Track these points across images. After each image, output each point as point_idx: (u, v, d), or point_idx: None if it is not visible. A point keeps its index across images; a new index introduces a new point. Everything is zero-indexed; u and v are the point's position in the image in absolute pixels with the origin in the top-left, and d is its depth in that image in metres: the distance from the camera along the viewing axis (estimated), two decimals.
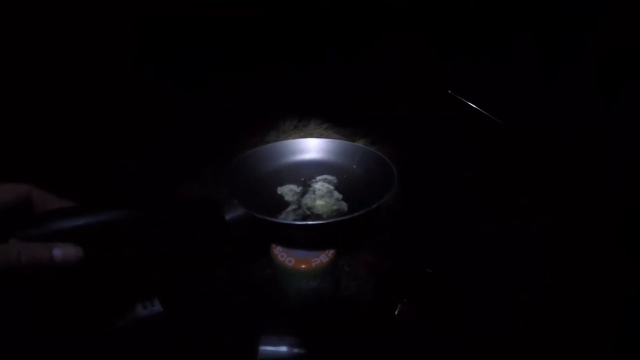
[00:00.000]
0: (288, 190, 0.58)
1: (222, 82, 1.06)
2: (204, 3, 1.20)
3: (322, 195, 0.56)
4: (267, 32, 1.20)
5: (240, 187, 0.53)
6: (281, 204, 0.55)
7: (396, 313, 0.50)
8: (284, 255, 0.47)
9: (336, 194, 0.57)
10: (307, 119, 0.86)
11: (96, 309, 0.47)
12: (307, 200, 0.56)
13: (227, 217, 0.42)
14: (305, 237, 0.49)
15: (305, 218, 0.53)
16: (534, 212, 0.66)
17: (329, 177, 0.60)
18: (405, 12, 1.17)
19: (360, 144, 0.72)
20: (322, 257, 0.47)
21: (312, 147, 0.65)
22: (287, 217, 0.53)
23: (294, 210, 0.54)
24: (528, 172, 0.76)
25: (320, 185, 0.59)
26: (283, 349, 0.44)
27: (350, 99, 0.99)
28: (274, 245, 0.49)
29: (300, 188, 0.58)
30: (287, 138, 0.75)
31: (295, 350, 0.44)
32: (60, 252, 0.30)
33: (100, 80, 0.96)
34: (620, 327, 0.47)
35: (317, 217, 0.53)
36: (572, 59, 0.81)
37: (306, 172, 0.61)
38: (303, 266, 0.46)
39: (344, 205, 0.55)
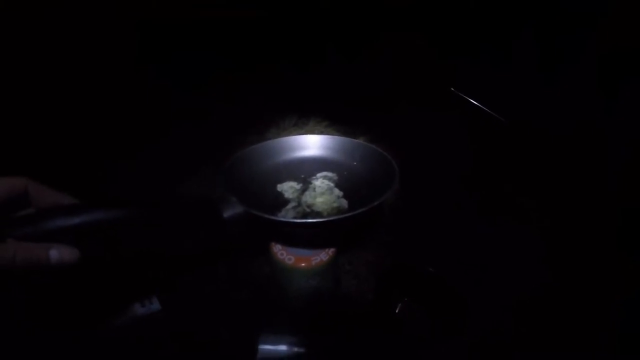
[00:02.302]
0: (288, 188, 0.57)
1: (222, 82, 1.06)
2: (204, 3, 1.21)
3: (323, 193, 0.55)
4: (267, 32, 1.20)
5: (239, 185, 0.51)
6: (281, 202, 0.54)
7: (397, 312, 0.50)
8: (283, 254, 0.47)
9: (337, 191, 0.56)
10: (307, 117, 0.86)
11: (93, 307, 0.47)
12: (307, 197, 0.55)
13: (225, 215, 0.41)
14: (305, 235, 0.48)
15: (305, 216, 0.52)
16: (532, 212, 0.66)
17: (330, 174, 0.59)
18: (405, 12, 1.17)
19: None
20: (322, 256, 0.46)
21: (312, 144, 0.63)
22: (287, 215, 0.52)
23: (293, 207, 0.53)
24: (527, 172, 0.76)
25: (321, 182, 0.58)
26: (282, 347, 0.43)
27: (350, 99, 0.99)
28: (273, 243, 0.48)
29: (300, 185, 0.57)
30: (286, 135, 0.75)
31: (295, 349, 0.43)
32: (56, 253, 0.30)
33: (101, 80, 0.95)
34: (621, 328, 0.47)
35: (317, 214, 0.52)
36: (572, 59, 0.82)
37: (306, 169, 0.60)
38: (303, 264, 0.46)
39: (344, 203, 0.54)
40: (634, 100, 0.69)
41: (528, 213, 0.66)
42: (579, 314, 0.49)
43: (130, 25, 1.12)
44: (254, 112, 0.92)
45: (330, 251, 0.47)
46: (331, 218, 0.45)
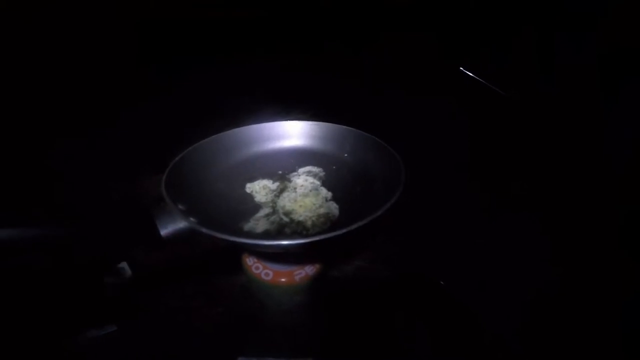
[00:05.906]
0: (260, 188, 0.45)
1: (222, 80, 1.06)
2: (204, 3, 1.21)
3: (306, 194, 0.44)
4: (267, 32, 1.20)
5: (194, 186, 0.41)
6: (249, 208, 0.42)
7: (396, 328, 0.44)
8: (259, 267, 0.39)
9: (324, 192, 0.44)
10: (292, 106, 0.76)
11: (39, 332, 0.40)
12: (285, 201, 0.43)
13: (163, 232, 0.32)
14: (283, 255, 0.41)
15: (281, 227, 0.39)
16: (533, 213, 0.66)
17: (315, 169, 0.48)
18: (406, 12, 1.17)
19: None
20: (308, 269, 0.40)
21: (292, 132, 0.52)
22: (257, 227, 0.39)
23: (266, 215, 0.41)
24: (527, 173, 0.75)
25: (303, 180, 0.46)
26: None
27: (346, 96, 0.97)
28: (245, 254, 0.41)
29: (277, 184, 0.46)
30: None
31: None
32: None
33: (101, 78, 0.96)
34: (624, 329, 0.46)
35: (299, 225, 0.40)
36: (572, 59, 0.81)
37: (285, 163, 0.49)
38: (283, 280, 0.39)
39: (334, 208, 0.42)
40: (634, 100, 0.69)
41: (529, 214, 0.66)
42: (585, 319, 0.47)
43: (130, 25, 1.13)
44: (229, 96, 0.84)
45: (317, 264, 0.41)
46: (316, 238, 0.32)
